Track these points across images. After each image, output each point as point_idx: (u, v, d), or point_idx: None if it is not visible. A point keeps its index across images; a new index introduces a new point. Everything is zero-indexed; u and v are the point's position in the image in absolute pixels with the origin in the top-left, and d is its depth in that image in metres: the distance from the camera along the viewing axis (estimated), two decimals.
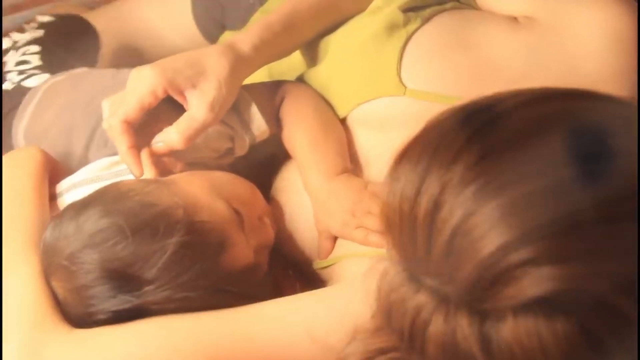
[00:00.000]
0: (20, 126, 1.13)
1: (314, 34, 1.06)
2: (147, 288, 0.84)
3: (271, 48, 1.02)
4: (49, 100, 1.13)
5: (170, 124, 0.97)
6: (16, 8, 1.49)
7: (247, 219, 0.94)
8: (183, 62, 0.96)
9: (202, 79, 0.95)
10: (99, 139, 1.03)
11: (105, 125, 0.97)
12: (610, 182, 0.59)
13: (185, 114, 0.96)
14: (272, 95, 1.06)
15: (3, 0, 1.44)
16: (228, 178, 0.99)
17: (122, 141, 0.95)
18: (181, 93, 0.95)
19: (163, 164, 0.97)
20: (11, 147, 1.13)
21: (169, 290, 0.84)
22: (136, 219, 0.86)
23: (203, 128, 0.95)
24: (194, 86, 0.95)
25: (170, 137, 0.95)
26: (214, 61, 0.96)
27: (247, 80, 1.02)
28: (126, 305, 0.84)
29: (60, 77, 1.18)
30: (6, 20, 1.47)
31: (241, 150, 1.03)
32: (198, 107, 0.95)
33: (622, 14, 0.95)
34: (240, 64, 0.98)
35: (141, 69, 0.95)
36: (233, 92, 0.98)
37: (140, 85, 0.95)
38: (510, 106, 0.64)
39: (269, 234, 0.98)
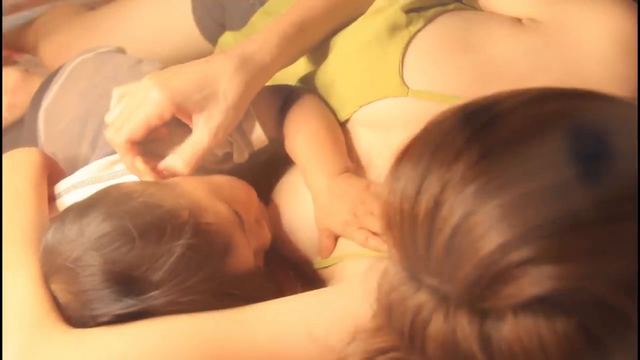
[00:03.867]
0: (44, 104, 1.13)
1: (324, 35, 1.06)
2: (152, 292, 0.83)
3: (287, 56, 1.01)
4: (73, 82, 1.14)
5: (172, 131, 0.97)
6: (16, 8, 1.49)
7: (246, 221, 0.94)
8: (194, 84, 0.94)
9: (211, 103, 0.94)
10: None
11: (108, 135, 0.96)
12: (610, 182, 0.59)
13: (188, 139, 0.95)
14: (273, 99, 1.05)
15: (3, 0, 1.44)
16: (226, 180, 0.99)
17: (128, 159, 0.95)
18: (189, 116, 0.95)
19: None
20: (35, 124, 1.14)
21: (174, 294, 0.83)
22: (142, 220, 0.86)
23: (206, 152, 0.95)
24: (202, 110, 0.94)
25: (174, 165, 0.95)
26: (226, 82, 0.95)
27: None
28: (131, 309, 0.83)
29: (88, 54, 1.18)
30: (6, 21, 1.47)
31: (240, 157, 1.02)
32: (202, 131, 0.94)
33: (625, 16, 0.95)
34: (256, 77, 0.97)
35: (151, 88, 0.94)
36: (242, 110, 0.97)
37: (148, 107, 0.94)
38: (510, 106, 0.64)
39: (267, 236, 0.98)
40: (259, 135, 1.01)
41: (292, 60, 1.04)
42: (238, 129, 1.00)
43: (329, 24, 1.06)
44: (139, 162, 0.95)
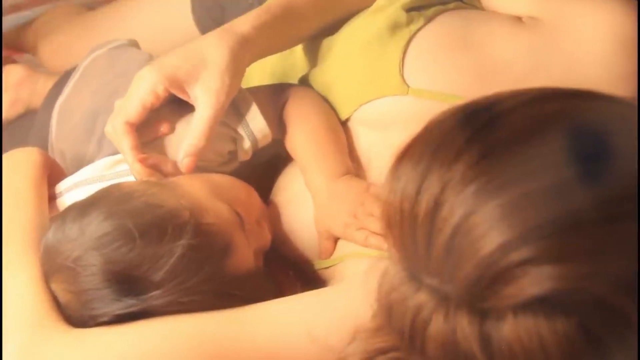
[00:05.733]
0: (59, 101, 1.13)
1: (316, 25, 1.06)
2: (153, 292, 0.83)
3: (271, 30, 1.01)
4: (86, 80, 1.14)
5: (170, 121, 0.97)
6: (16, 8, 1.49)
7: (247, 221, 0.94)
8: (181, 56, 0.96)
9: (202, 71, 0.94)
10: None
11: (107, 128, 0.96)
12: (610, 182, 0.59)
13: (194, 116, 0.95)
14: (274, 98, 1.05)
15: (3, 0, 1.44)
16: (227, 180, 0.98)
17: (124, 142, 0.94)
18: (183, 89, 0.95)
19: (157, 165, 0.96)
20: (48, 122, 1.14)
21: (175, 294, 0.83)
22: (143, 220, 0.86)
23: (215, 121, 0.94)
24: (195, 80, 0.94)
25: (191, 144, 0.94)
26: (212, 49, 0.95)
27: (249, 79, 1.01)
28: (131, 309, 0.83)
29: (101, 50, 1.18)
30: (6, 21, 1.47)
31: (244, 154, 1.02)
32: (204, 102, 0.94)
33: (626, 15, 0.95)
34: (241, 45, 0.97)
35: (142, 71, 0.95)
36: (236, 77, 0.96)
37: (141, 86, 0.94)
38: (511, 106, 0.64)
39: (267, 237, 0.98)
40: (262, 128, 1.01)
41: (279, 40, 1.04)
42: (239, 119, 1.00)
43: (319, 9, 1.05)
44: (137, 163, 0.94)
